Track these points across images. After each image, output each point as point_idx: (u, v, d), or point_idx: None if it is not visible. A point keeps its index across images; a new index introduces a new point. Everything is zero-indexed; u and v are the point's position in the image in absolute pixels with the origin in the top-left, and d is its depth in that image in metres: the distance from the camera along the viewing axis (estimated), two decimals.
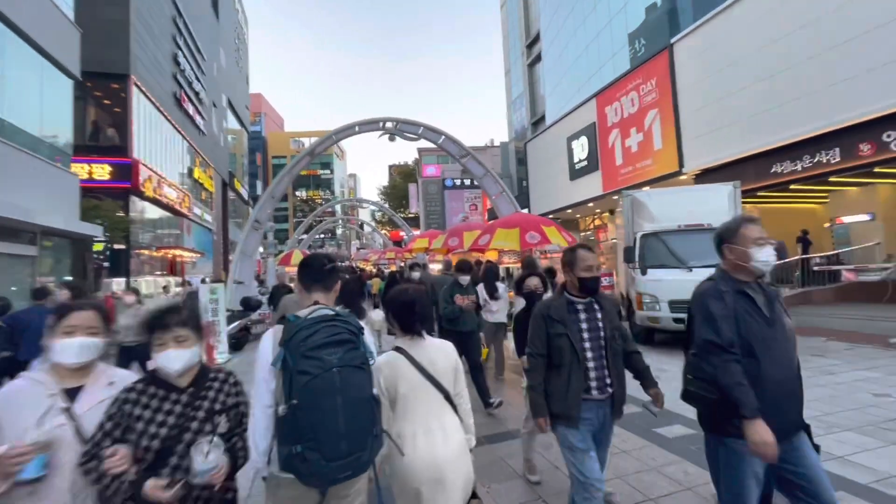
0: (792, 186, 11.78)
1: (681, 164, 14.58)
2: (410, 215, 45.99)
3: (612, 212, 21.12)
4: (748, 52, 11.41)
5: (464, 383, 2.05)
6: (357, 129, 11.97)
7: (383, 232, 46.93)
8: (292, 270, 20.59)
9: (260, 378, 1.58)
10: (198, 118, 25.04)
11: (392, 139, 11.99)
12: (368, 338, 1.71)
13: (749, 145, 11.52)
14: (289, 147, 66.77)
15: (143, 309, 5.38)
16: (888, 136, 8.03)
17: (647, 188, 12.63)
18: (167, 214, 20.51)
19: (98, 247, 15.43)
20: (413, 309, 1.99)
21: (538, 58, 32.00)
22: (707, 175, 13.25)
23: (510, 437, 3.98)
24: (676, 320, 6.79)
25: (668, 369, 5.60)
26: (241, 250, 10.62)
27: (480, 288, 6.06)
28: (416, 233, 22.06)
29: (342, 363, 1.49)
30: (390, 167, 58.10)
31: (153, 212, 18.93)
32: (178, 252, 20.79)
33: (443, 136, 11.98)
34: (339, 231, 72.94)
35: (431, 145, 12.93)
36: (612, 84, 18.46)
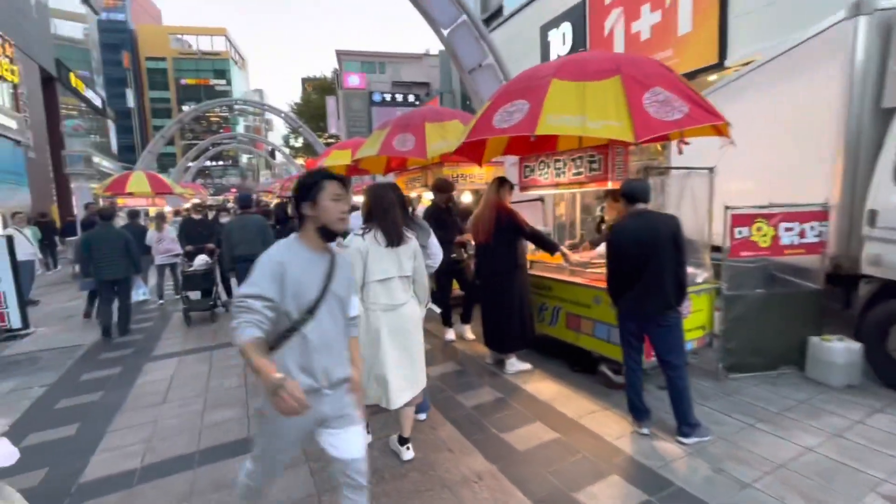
0: None
1: (722, 55, 9.67)
2: (330, 140, 37.87)
3: None
4: None
5: None
6: None
7: (299, 162, 38.44)
8: (133, 203, 13.30)
9: None
10: None
11: None
12: None
13: None
14: (168, 46, 52.34)
15: None
16: None
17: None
18: None
19: None
20: None
21: None
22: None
23: None
24: None
25: None
26: None
27: None
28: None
29: None
30: (304, 80, 47.70)
31: None
32: None
33: None
34: (243, 159, 61.58)
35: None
36: None
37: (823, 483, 2.29)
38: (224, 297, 7.24)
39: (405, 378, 2.64)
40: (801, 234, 3.52)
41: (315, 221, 1.66)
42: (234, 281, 6.53)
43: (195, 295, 6.59)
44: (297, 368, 1.62)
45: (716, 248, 3.77)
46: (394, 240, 2.55)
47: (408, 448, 2.74)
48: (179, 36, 54.00)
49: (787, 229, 3.48)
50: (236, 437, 3.10)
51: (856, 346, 3.39)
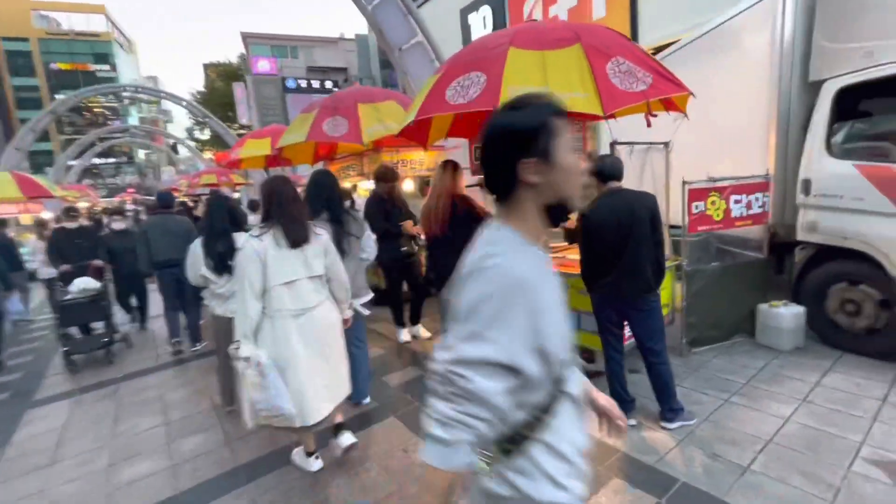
0: None
1: (633, 39, 10.17)
2: (242, 132, 34.81)
3: None
4: None
5: None
6: None
7: (206, 156, 34.84)
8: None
9: None
10: None
11: None
12: None
13: None
14: (30, 25, 44.63)
15: None
16: None
17: None
18: None
19: None
20: None
21: None
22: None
23: None
24: None
25: None
26: None
27: (195, 248, 3.27)
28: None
29: None
30: (206, 66, 43.29)
31: None
32: None
33: None
34: (140, 155, 54.92)
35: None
36: None
37: (813, 455, 2.28)
38: (128, 320, 5.99)
39: (325, 387, 2.40)
40: (748, 206, 3.61)
41: (546, 194, 0.90)
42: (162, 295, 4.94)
43: (81, 331, 5.15)
44: (578, 453, 0.98)
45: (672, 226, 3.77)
46: (297, 240, 2.28)
47: (316, 458, 2.56)
48: (44, 13, 46.14)
49: (736, 201, 3.54)
50: (158, 496, 2.48)
51: (800, 310, 3.56)
